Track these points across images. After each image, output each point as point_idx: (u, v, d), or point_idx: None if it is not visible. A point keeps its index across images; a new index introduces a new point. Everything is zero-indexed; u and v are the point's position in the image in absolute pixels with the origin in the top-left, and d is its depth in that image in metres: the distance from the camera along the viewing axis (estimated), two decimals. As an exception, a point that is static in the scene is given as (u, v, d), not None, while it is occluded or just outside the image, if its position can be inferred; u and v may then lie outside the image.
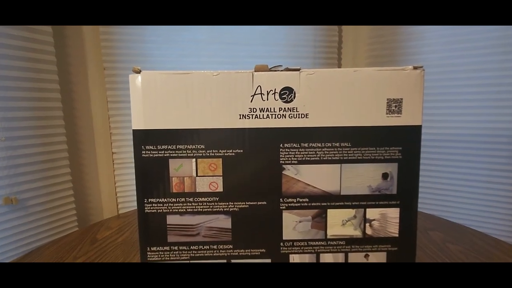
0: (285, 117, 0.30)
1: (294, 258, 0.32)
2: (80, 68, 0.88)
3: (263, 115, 0.30)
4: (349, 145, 0.31)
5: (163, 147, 0.30)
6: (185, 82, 0.29)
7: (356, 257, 0.32)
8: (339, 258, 0.32)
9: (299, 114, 0.30)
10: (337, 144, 0.31)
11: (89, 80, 0.88)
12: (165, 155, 0.30)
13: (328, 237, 0.32)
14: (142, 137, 0.30)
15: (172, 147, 0.30)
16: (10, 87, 0.71)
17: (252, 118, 0.30)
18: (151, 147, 0.30)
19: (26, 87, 0.74)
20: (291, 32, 0.99)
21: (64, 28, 0.84)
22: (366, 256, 0.32)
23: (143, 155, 0.30)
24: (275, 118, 0.30)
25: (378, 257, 0.32)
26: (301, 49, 1.01)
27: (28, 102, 0.74)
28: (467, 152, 0.84)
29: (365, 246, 0.32)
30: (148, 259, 0.31)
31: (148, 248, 0.31)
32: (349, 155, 0.31)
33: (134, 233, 0.62)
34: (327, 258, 0.32)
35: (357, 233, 0.32)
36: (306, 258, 0.32)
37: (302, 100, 0.30)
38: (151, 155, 0.30)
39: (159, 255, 0.31)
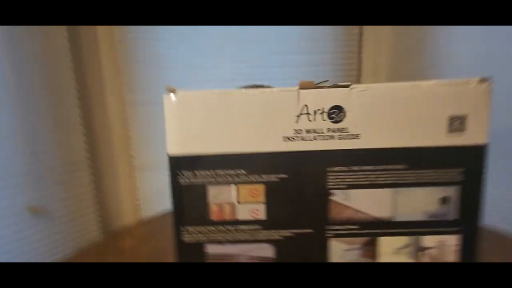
0: (333, 138, 0.27)
1: (342, 288, 0.30)
2: (96, 71, 0.86)
3: (309, 136, 0.27)
4: (404, 167, 0.28)
5: (201, 173, 0.28)
6: (225, 103, 0.27)
7: None
8: None
9: (349, 135, 0.27)
10: (391, 167, 0.28)
11: (104, 82, 0.87)
12: (203, 181, 0.28)
13: (379, 266, 0.29)
14: (179, 163, 0.28)
15: (211, 173, 0.28)
16: (26, 86, 0.70)
17: (298, 140, 0.27)
18: (188, 173, 0.28)
19: (41, 83, 0.72)
20: (308, 26, 0.94)
21: (78, 31, 0.82)
22: None
23: (179, 181, 0.28)
24: (323, 139, 0.27)
25: None
26: (319, 43, 0.96)
27: (45, 107, 0.74)
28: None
29: (420, 275, 0.29)
30: (187, 290, 0.30)
31: (187, 278, 0.30)
32: (404, 178, 0.28)
33: (160, 242, 0.61)
34: (378, 288, 0.30)
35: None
36: (355, 288, 0.30)
37: (353, 119, 0.27)
38: (189, 181, 0.28)
39: (199, 286, 0.30)
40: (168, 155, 0.28)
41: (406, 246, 0.29)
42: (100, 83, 0.86)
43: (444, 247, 0.29)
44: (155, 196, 0.90)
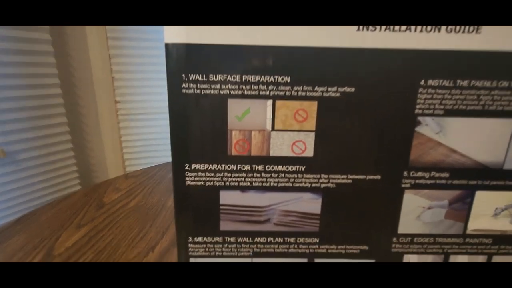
0: (439, 29, 0.17)
1: (411, 260, 0.21)
2: None
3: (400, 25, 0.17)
4: (538, 86, 0.18)
5: (219, 77, 0.17)
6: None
7: (502, 261, 0.21)
8: (478, 261, 0.21)
9: (464, 26, 0.17)
10: (519, 85, 0.18)
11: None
12: (221, 92, 0.18)
13: (468, 232, 0.21)
14: (183, 59, 0.17)
15: (234, 78, 0.17)
16: None
17: (381, 29, 0.17)
18: (198, 77, 0.17)
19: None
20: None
21: None
22: (519, 260, 0.21)
23: (184, 90, 0.18)
24: (421, 30, 0.17)
25: (534, 262, 0.21)
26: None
27: (11, 31, 0.59)
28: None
29: (521, 246, 0.21)
30: (190, 254, 0.21)
31: (190, 239, 0.20)
32: (534, 104, 0.18)
33: (148, 197, 0.52)
34: (460, 261, 0.21)
35: (514, 228, 0.21)
36: (429, 261, 0.21)
37: (476, -2, 0.16)
38: (198, 90, 0.18)
39: (207, 250, 0.21)
40: (165, 45, 0.17)
41: (511, 206, 0.20)
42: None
43: None
44: (143, 149, 0.80)
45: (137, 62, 0.74)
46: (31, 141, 0.64)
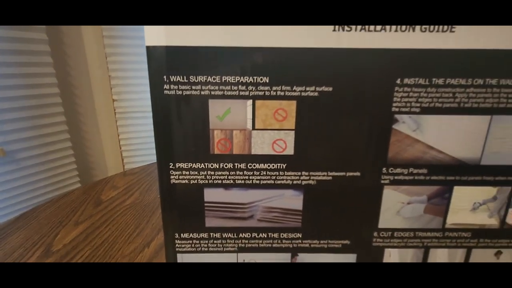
0: (413, 29, 0.17)
1: (392, 254, 0.22)
2: None
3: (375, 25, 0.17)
4: (513, 84, 0.18)
5: (199, 79, 0.18)
6: (241, -44, 0.16)
7: (482, 255, 0.22)
8: (458, 255, 0.22)
9: (439, 26, 0.17)
10: (494, 82, 0.18)
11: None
12: (202, 93, 0.18)
13: (447, 226, 0.21)
14: (164, 61, 0.18)
15: (214, 79, 0.18)
16: None
17: (356, 29, 0.17)
18: (179, 78, 0.18)
19: None
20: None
21: None
22: (498, 254, 0.22)
23: (165, 91, 0.18)
24: (396, 30, 0.17)
25: (513, 254, 0.22)
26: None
27: (8, 31, 0.60)
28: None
29: (499, 240, 0.21)
30: (178, 250, 0.21)
31: (177, 235, 0.21)
32: (509, 101, 0.18)
33: (145, 194, 0.53)
34: (440, 255, 0.22)
35: (492, 222, 0.21)
36: (409, 255, 0.22)
37: (449, -2, 0.17)
38: (179, 92, 0.18)
39: (193, 245, 0.21)
40: (146, 48, 0.18)
41: (489, 200, 0.21)
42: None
43: (542, 204, 0.21)
44: (141, 147, 0.80)
45: (133, 61, 0.74)
46: (30, 140, 0.65)
